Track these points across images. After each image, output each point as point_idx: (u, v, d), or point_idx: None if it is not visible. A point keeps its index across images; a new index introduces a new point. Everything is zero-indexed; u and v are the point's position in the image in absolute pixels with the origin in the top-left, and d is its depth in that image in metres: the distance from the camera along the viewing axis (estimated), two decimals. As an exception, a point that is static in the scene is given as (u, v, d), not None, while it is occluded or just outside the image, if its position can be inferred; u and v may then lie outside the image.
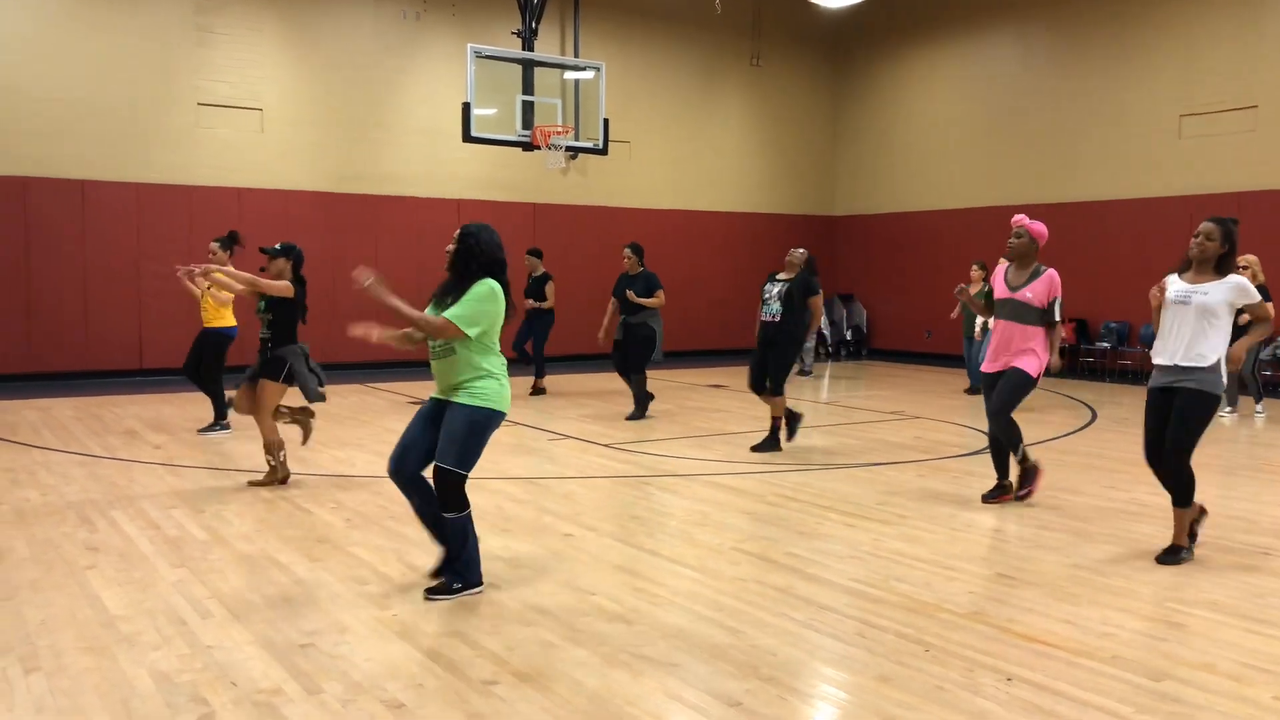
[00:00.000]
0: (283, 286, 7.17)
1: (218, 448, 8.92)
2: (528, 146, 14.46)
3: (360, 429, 9.83)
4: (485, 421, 4.75)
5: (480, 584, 4.89)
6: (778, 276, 8.98)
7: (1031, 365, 6.63)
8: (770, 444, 8.84)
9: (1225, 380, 5.50)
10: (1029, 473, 6.91)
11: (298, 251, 7.33)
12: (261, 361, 7.26)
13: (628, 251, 10.89)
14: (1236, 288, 5.48)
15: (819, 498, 7.08)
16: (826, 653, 4.18)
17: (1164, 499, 5.81)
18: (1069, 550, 5.79)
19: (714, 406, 11.93)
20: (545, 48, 16.23)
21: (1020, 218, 6.83)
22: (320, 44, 15.43)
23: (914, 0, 18.69)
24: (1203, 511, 5.75)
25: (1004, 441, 6.81)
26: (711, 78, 18.92)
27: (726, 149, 19.21)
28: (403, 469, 4.83)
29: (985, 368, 6.85)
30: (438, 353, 4.80)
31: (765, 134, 19.66)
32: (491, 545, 5.77)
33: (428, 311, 4.85)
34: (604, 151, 15.11)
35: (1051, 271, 6.71)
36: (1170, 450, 5.49)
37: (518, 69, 14.65)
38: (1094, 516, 6.54)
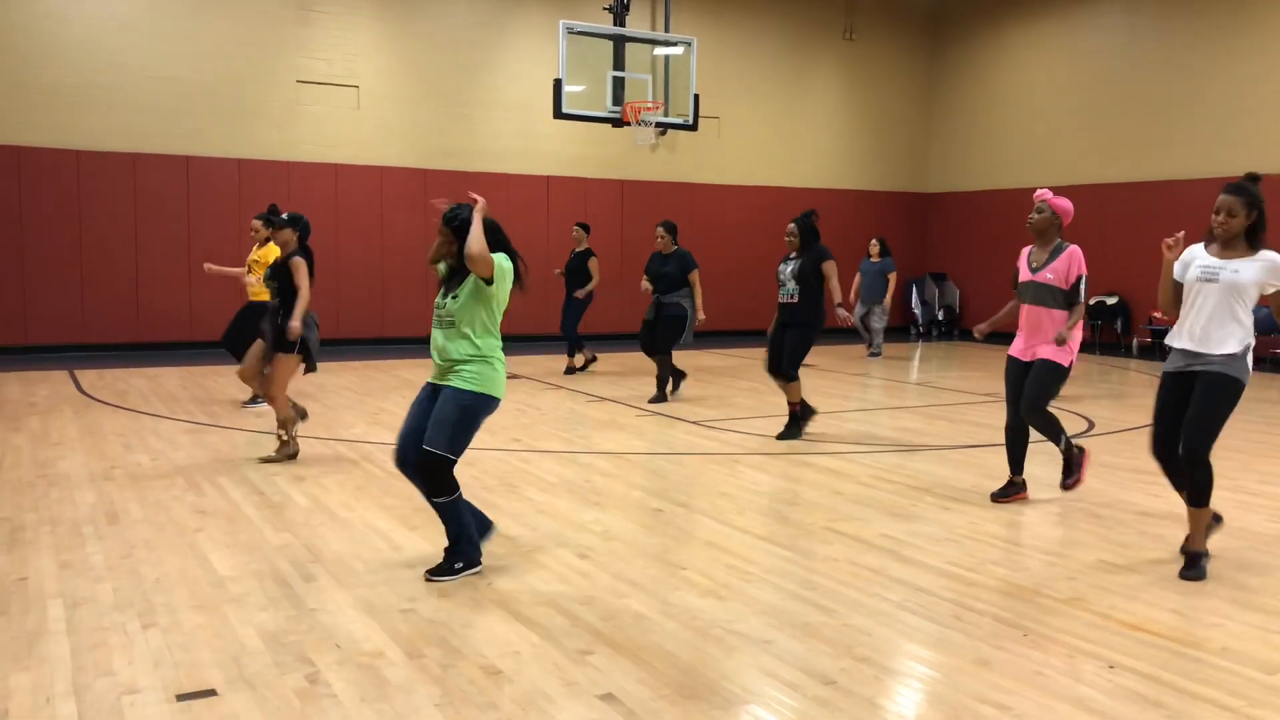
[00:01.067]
0: (303, 293, 7.10)
1: (321, 418, 9.14)
2: (617, 123, 14.47)
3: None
4: (477, 406, 4.70)
5: (480, 563, 4.81)
6: (790, 256, 8.52)
7: (1062, 355, 6.09)
8: (792, 431, 8.38)
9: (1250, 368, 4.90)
10: (1073, 461, 6.43)
11: (305, 222, 7.29)
12: (274, 333, 7.20)
13: (661, 230, 10.45)
14: (1270, 267, 4.82)
15: (913, 479, 6.99)
16: (922, 634, 4.14)
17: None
18: (1174, 539, 5.61)
19: (804, 385, 11.81)
20: (636, 23, 16.18)
21: (1043, 191, 6.39)
22: (414, 21, 15.64)
23: (1015, -29, 18.15)
24: (1217, 518, 5.17)
25: (1046, 433, 6.29)
26: (804, 52, 18.67)
27: (818, 124, 18.96)
28: (407, 458, 4.77)
29: (1014, 352, 6.29)
30: (442, 320, 4.74)
31: (858, 109, 19.34)
32: (583, 518, 5.84)
33: (437, 300, 4.80)
34: (694, 127, 15.04)
35: (1073, 248, 6.19)
36: (1187, 441, 4.89)
37: (608, 45, 14.64)
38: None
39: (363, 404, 9.96)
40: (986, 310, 18.82)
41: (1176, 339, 5.00)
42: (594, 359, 12.67)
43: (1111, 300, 16.29)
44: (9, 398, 10.02)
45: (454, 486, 4.73)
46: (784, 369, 8.36)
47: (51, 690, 3.50)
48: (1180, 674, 3.76)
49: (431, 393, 4.81)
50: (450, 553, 4.80)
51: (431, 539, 5.37)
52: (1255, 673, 3.79)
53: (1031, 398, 6.15)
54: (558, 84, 13.83)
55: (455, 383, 4.69)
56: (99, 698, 3.45)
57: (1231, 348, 4.84)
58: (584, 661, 3.81)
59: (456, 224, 4.70)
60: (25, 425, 8.52)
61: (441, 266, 4.88)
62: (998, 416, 9.80)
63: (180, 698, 3.45)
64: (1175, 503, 6.35)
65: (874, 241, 15.27)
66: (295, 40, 14.85)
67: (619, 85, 14.49)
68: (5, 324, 13.52)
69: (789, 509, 6.18)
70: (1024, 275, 6.30)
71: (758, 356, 14.20)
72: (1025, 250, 6.47)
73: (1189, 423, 4.89)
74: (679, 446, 8.09)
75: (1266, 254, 4.86)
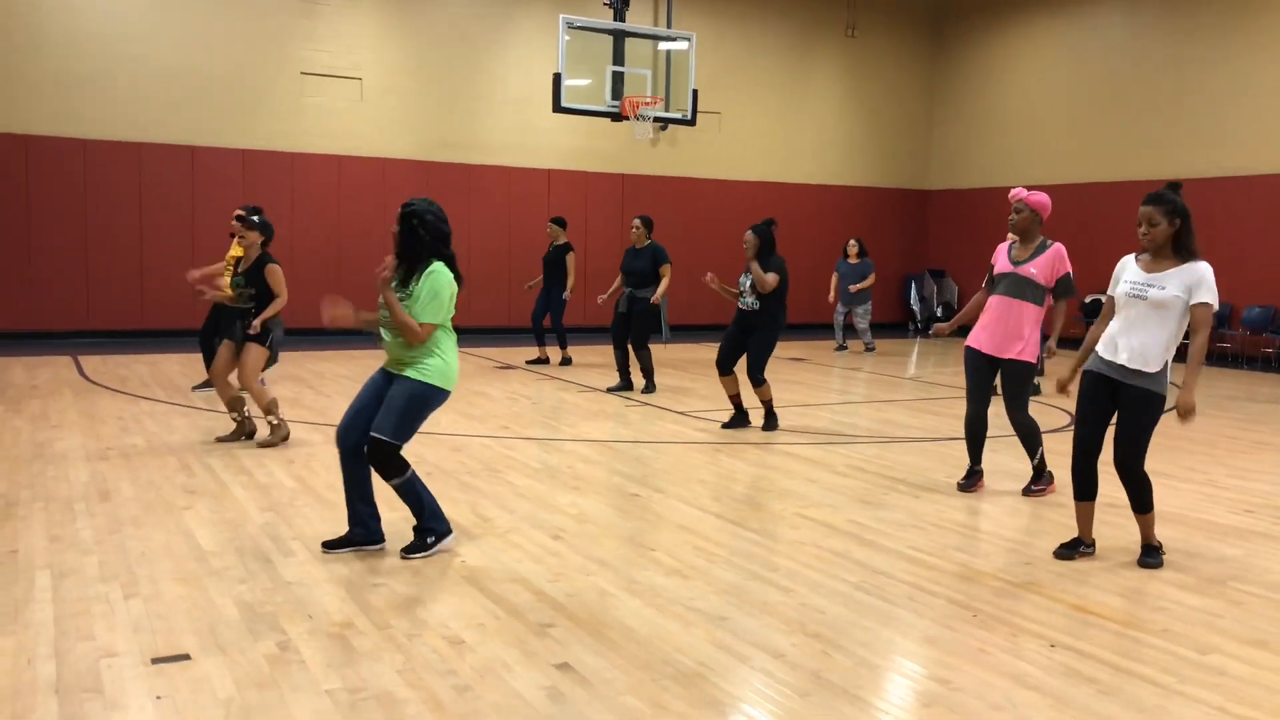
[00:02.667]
0: (283, 298, 7.54)
1: (315, 404, 9.31)
2: (616, 117, 14.60)
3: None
4: (426, 397, 4.81)
5: (450, 531, 4.98)
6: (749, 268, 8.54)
7: (1028, 353, 6.22)
8: (771, 423, 8.50)
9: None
10: (1042, 473, 6.53)
11: (270, 226, 7.74)
12: (242, 330, 7.45)
13: (636, 223, 10.60)
14: (1194, 281, 4.76)
15: (889, 469, 7.13)
16: (875, 614, 4.29)
17: (1236, 478, 5.72)
18: (1134, 528, 5.75)
19: (794, 378, 11.98)
20: (636, 18, 16.31)
21: (1018, 191, 6.48)
22: (417, 15, 15.80)
23: (1016, -31, 18.23)
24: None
25: (1024, 440, 6.42)
26: (805, 48, 18.78)
27: (819, 121, 19.07)
28: (346, 440, 4.89)
29: (974, 343, 6.35)
30: (387, 325, 4.84)
31: (859, 106, 19.44)
32: (560, 501, 6.00)
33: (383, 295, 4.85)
34: (692, 122, 15.17)
35: (1058, 246, 6.31)
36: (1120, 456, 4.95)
37: (609, 39, 14.77)
38: (1166, 496, 6.47)
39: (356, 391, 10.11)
40: (984, 307, 18.96)
41: (1105, 349, 4.96)
42: (567, 360, 12.73)
43: (1094, 298, 16.37)
44: (12, 381, 10.22)
45: (404, 466, 4.86)
46: (751, 376, 8.44)
47: (34, 652, 3.67)
48: (1118, 653, 3.91)
49: (383, 379, 4.95)
50: (419, 530, 4.96)
51: (409, 518, 5.53)
52: (1190, 652, 3.93)
53: (1013, 400, 6.27)
54: (557, 78, 13.97)
55: (410, 373, 4.83)
56: (78, 660, 3.62)
57: (1154, 366, 4.81)
58: (544, 634, 3.97)
59: (412, 224, 4.79)
60: (26, 408, 8.71)
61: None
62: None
63: (155, 661, 3.62)
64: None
65: (852, 242, 15.40)
66: (299, 32, 15.02)
67: (618, 80, 14.62)
68: (12, 310, 13.73)
69: (762, 495, 6.34)
70: (1002, 267, 6.38)
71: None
72: (1004, 245, 6.59)
73: (1121, 439, 4.90)
74: (663, 435, 8.24)
75: (1192, 266, 4.79)
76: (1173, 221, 4.80)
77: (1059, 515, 5.97)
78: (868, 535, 5.44)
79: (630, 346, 10.47)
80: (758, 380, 8.46)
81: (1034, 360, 6.27)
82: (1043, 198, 6.43)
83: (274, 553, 4.91)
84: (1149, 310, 4.81)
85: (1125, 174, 16.31)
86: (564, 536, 5.29)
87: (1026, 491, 6.50)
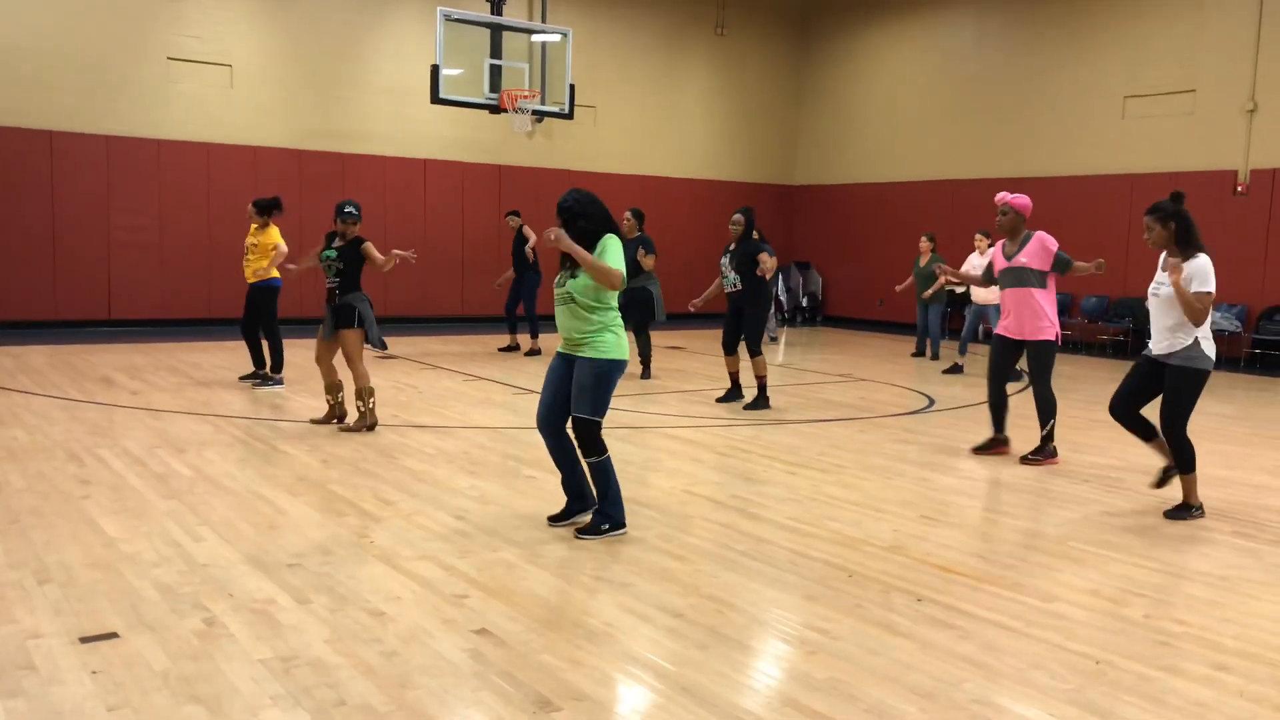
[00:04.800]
0: (378, 260, 7.85)
1: (196, 396, 9.25)
2: (495, 109, 14.77)
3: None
4: (609, 372, 5.17)
5: (625, 525, 5.28)
6: (730, 248, 9.35)
7: (1049, 333, 7.18)
8: (761, 402, 9.23)
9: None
10: (1045, 447, 7.30)
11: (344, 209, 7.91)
12: (331, 311, 7.73)
13: (628, 215, 11.21)
14: (1191, 273, 5.69)
15: (766, 449, 7.60)
16: (761, 577, 4.70)
17: (1085, 453, 6.36)
18: (991, 498, 6.37)
19: (672, 366, 12.41)
20: (513, 12, 16.49)
21: (1003, 195, 7.31)
22: (290, 2, 15.58)
23: (876, -25, 19.12)
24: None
25: (1040, 410, 7.26)
26: (677, 45, 19.27)
27: (691, 116, 19.60)
28: (549, 421, 5.30)
29: (1002, 330, 7.30)
30: (560, 298, 5.21)
31: (729, 103, 20.06)
32: (459, 484, 6.24)
33: (556, 279, 5.27)
34: (569, 116, 15.45)
35: (1040, 234, 7.15)
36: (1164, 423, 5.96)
37: (486, 32, 14.91)
38: (1016, 470, 7.12)
39: (241, 384, 10.06)
40: (848, 296, 19.89)
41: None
42: (535, 351, 13.00)
43: (961, 289, 17.37)
44: None
45: (603, 447, 5.20)
46: (748, 349, 9.24)
47: (-44, 637, 3.74)
48: (975, 605, 4.41)
49: (563, 363, 5.28)
50: (598, 514, 5.25)
51: (313, 503, 5.70)
52: (1036, 601, 4.47)
53: (1038, 375, 7.25)
54: (435, 70, 14.06)
55: (588, 353, 5.15)
56: (4, 641, 3.71)
57: (1181, 342, 5.73)
58: (460, 604, 4.24)
59: (579, 225, 5.15)
60: (-112, 402, 8.40)
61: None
62: (849, 394, 10.59)
63: (84, 640, 3.74)
64: (995, 466, 7.15)
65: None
66: (166, 16, 14.64)
67: (496, 73, 14.80)
68: None
69: (651, 475, 6.71)
70: (1000, 264, 7.29)
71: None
72: (997, 246, 7.46)
73: (1163, 409, 5.85)
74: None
75: (1190, 261, 5.68)
76: (1166, 225, 5.74)
77: (919, 487, 6.53)
78: (750, 509, 5.87)
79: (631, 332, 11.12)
80: (754, 351, 9.23)
81: (1053, 338, 7.19)
82: (1024, 200, 7.31)
83: (183, 537, 5.01)
84: (1163, 304, 5.75)
85: (977, 172, 17.36)
86: (466, 517, 5.54)
87: (1025, 460, 7.28)
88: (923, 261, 13.75)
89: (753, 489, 6.35)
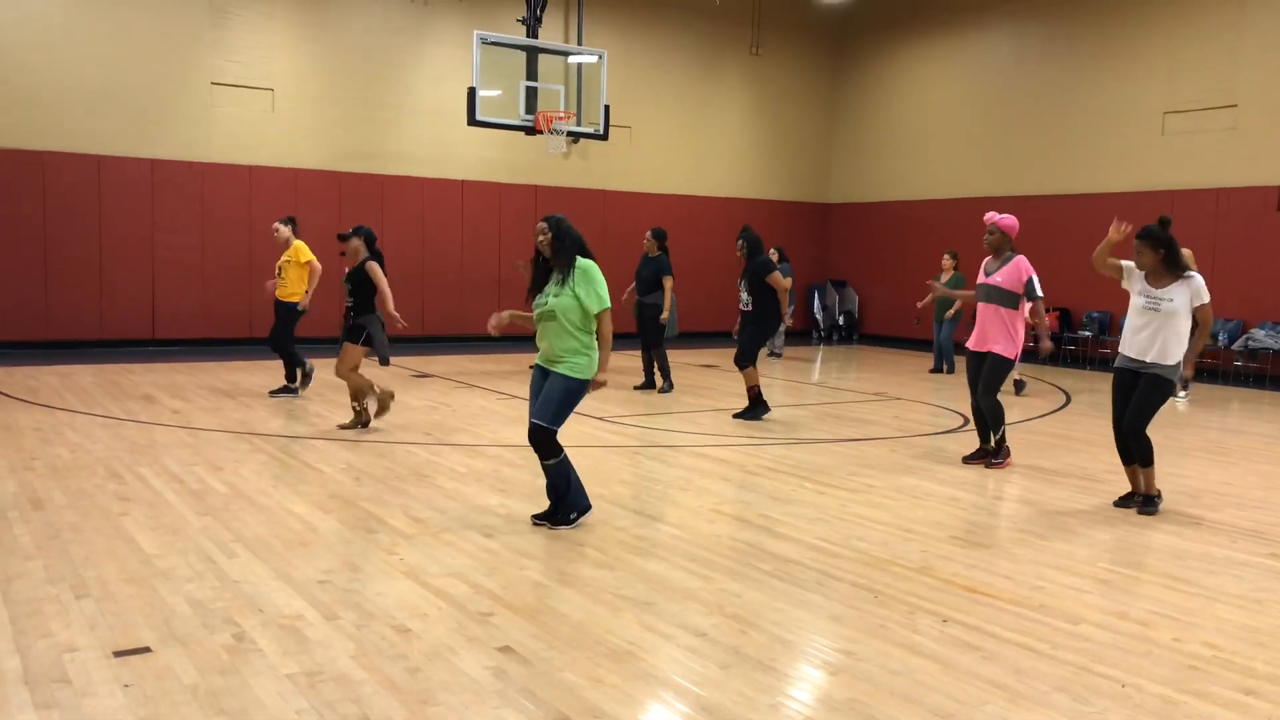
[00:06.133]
0: (383, 290, 8.56)
1: (235, 414, 9.41)
2: (530, 131, 14.91)
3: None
4: (578, 390, 5.57)
5: (590, 506, 5.79)
6: (746, 270, 9.68)
7: (1008, 349, 7.45)
8: (751, 412, 9.53)
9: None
10: (1000, 449, 7.71)
11: (367, 230, 8.66)
12: (345, 328, 8.57)
13: (649, 235, 11.57)
14: (1192, 290, 6.28)
15: (796, 468, 7.59)
16: (786, 596, 4.70)
17: (1114, 475, 6.31)
18: (1019, 518, 6.32)
19: (705, 384, 12.43)
20: (549, 35, 16.66)
21: (990, 215, 7.64)
22: (330, 26, 15.88)
23: (911, -7, 19.11)
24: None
25: (988, 420, 7.61)
26: (712, 65, 19.35)
27: (726, 136, 19.66)
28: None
29: (970, 345, 7.66)
30: (543, 315, 5.56)
31: (764, 122, 20.10)
32: (489, 502, 6.30)
33: (535, 301, 5.63)
34: (604, 137, 15.56)
35: (1019, 258, 7.51)
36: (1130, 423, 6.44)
37: (522, 54, 15.07)
38: (1047, 489, 7.06)
39: (277, 400, 10.23)
40: (884, 314, 19.80)
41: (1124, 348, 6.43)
42: None
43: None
44: (-83, 394, 10.06)
45: (559, 449, 5.62)
46: (736, 359, 9.62)
47: (-5, 649, 3.84)
48: (1001, 626, 4.38)
49: (541, 375, 5.68)
50: (565, 506, 5.70)
51: (344, 520, 5.79)
52: (1062, 623, 4.43)
53: (985, 386, 7.49)
54: (472, 92, 14.22)
55: (563, 370, 5.53)
56: (41, 654, 3.80)
57: (1172, 359, 6.23)
58: (485, 621, 4.28)
59: (565, 244, 5.55)
60: (-62, 420, 8.63)
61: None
62: (883, 413, 10.54)
63: (117, 654, 3.82)
64: (1025, 488, 7.10)
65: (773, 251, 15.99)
66: (209, 42, 14.97)
67: (532, 95, 14.94)
68: (-92, 321, 13.39)
69: (680, 494, 6.72)
70: (979, 279, 7.65)
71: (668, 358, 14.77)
72: (985, 261, 7.76)
73: (1132, 410, 6.35)
74: (585, 440, 8.57)
75: (1189, 280, 6.21)
76: (1157, 251, 6.24)
77: (949, 507, 6.49)
78: (778, 528, 5.87)
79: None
80: (741, 364, 9.53)
81: (1010, 356, 7.44)
82: (1011, 220, 7.66)
83: (216, 554, 5.10)
84: (1164, 318, 6.23)
85: (1014, 189, 17.24)
86: (495, 534, 5.59)
87: (989, 464, 7.62)
88: (944, 279, 13.85)
89: (781, 508, 6.35)
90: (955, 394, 12.22)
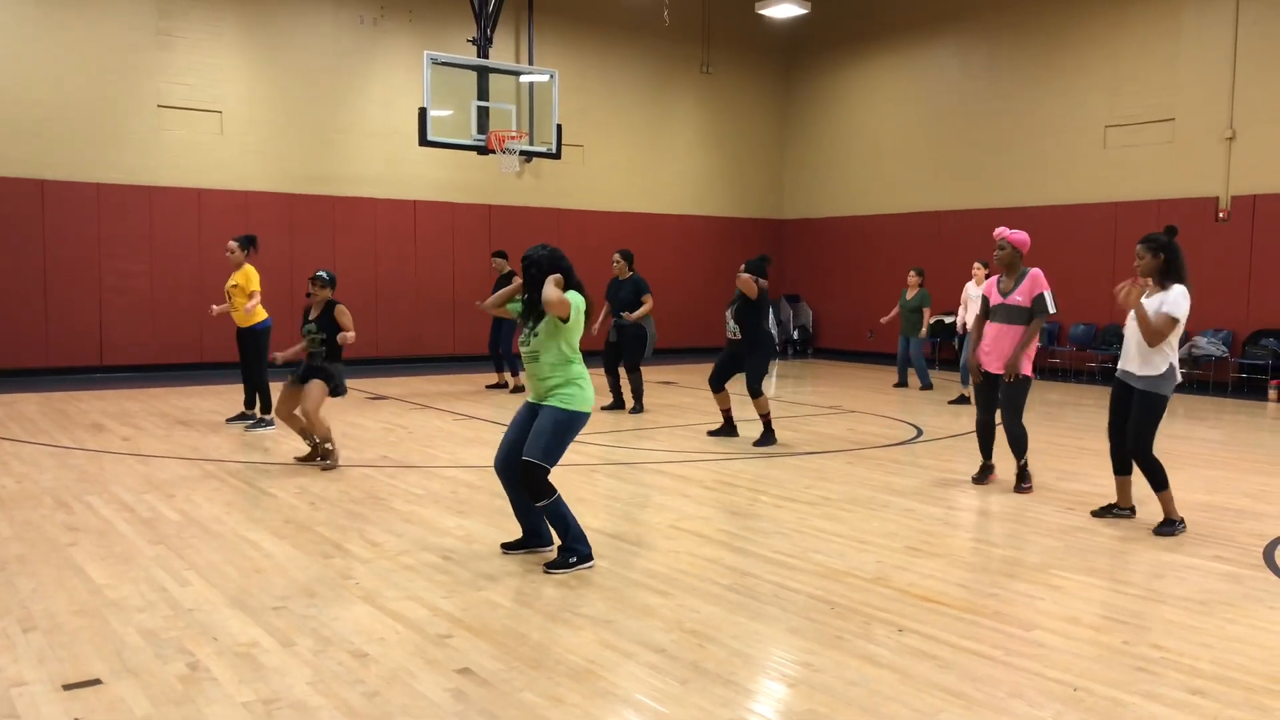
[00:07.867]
0: (350, 333, 8.17)
1: (187, 441, 9.28)
2: (483, 150, 14.90)
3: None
4: (570, 423, 5.33)
5: (591, 558, 5.39)
6: (734, 302, 9.38)
7: (1025, 365, 7.19)
8: (767, 438, 9.30)
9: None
10: (1025, 474, 7.39)
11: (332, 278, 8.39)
12: (309, 368, 8.14)
13: (617, 257, 11.48)
14: (1164, 300, 6.13)
15: (754, 483, 7.64)
16: (744, 610, 4.73)
17: (1063, 481, 6.40)
18: (972, 527, 6.40)
19: (663, 402, 12.46)
20: (500, 55, 16.69)
21: (1001, 230, 7.33)
22: (279, 48, 15.77)
23: (858, 11, 19.41)
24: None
25: (1012, 444, 7.26)
26: (664, 84, 19.49)
27: (678, 154, 19.79)
28: (508, 465, 5.46)
29: (985, 365, 7.27)
30: (527, 356, 5.40)
31: (716, 140, 20.26)
32: (447, 524, 6.27)
33: (522, 338, 5.45)
34: (557, 156, 15.59)
35: (1035, 271, 7.22)
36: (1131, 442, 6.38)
37: (473, 74, 15.08)
38: (1002, 499, 7.16)
39: (229, 426, 10.10)
40: (839, 328, 19.99)
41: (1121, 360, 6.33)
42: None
43: (949, 319, 17.49)
44: None
45: (551, 490, 5.31)
46: (750, 390, 9.30)
47: (-60, 686, 3.75)
48: (956, 634, 4.44)
49: (529, 411, 5.49)
50: (563, 550, 5.35)
51: (299, 545, 5.73)
52: (1017, 630, 4.50)
53: (1007, 408, 7.22)
54: (423, 112, 14.19)
55: (553, 402, 5.31)
56: (-12, 690, 3.73)
57: (1156, 369, 6.09)
58: (443, 644, 4.26)
59: (531, 273, 5.35)
60: (-122, 452, 8.42)
61: (512, 307, 5.66)
62: (838, 426, 10.64)
63: (67, 687, 3.76)
64: (979, 497, 7.19)
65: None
66: (156, 64, 14.81)
67: (484, 114, 14.94)
68: None
69: (639, 511, 6.74)
70: (996, 299, 7.32)
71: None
72: (993, 279, 7.45)
73: (1129, 434, 6.18)
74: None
75: (1168, 290, 6.07)
76: (1156, 256, 6.13)
77: (904, 518, 6.56)
78: (736, 543, 5.90)
79: (624, 370, 11.41)
80: (755, 392, 9.30)
81: (1029, 373, 7.22)
82: (1022, 236, 7.33)
83: (169, 582, 5.03)
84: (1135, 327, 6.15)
85: (962, 203, 17.53)
86: (453, 557, 5.57)
87: (1018, 489, 7.34)
88: (909, 295, 13.94)
89: (740, 523, 6.39)
90: (911, 406, 12.37)
